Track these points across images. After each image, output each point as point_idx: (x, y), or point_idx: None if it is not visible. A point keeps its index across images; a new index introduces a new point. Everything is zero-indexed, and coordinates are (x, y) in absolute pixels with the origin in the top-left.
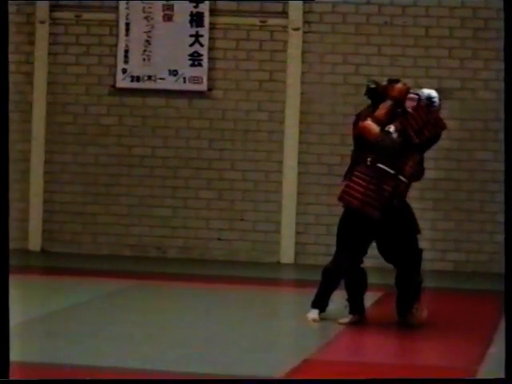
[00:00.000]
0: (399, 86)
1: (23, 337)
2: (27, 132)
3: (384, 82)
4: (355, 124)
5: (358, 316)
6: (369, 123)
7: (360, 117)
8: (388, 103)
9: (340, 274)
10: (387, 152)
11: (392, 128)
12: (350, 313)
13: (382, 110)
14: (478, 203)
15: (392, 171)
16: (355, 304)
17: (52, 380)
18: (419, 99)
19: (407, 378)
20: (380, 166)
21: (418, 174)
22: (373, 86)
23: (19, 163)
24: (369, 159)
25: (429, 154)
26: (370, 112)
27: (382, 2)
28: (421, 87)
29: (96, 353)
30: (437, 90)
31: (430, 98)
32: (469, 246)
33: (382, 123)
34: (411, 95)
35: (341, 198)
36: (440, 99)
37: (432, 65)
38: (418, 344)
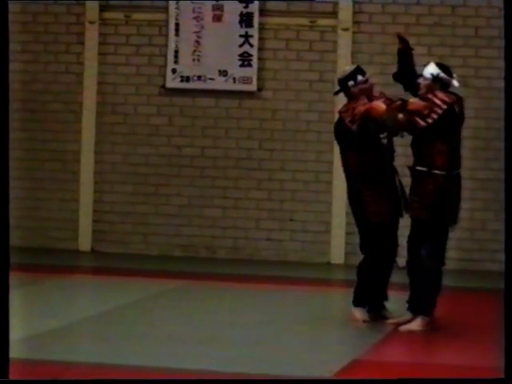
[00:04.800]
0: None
1: (74, 337)
2: (77, 132)
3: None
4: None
5: (428, 318)
6: (376, 103)
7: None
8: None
9: (376, 270)
10: (392, 131)
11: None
12: (420, 314)
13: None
14: None
15: (424, 168)
16: (430, 305)
17: (56, 380)
18: (431, 85)
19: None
20: (417, 168)
21: (452, 163)
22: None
23: (69, 164)
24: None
25: (480, 154)
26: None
27: (431, 2)
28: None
29: (146, 353)
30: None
31: (435, 78)
32: None
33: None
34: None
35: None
36: (447, 72)
37: (482, 65)
38: (466, 344)
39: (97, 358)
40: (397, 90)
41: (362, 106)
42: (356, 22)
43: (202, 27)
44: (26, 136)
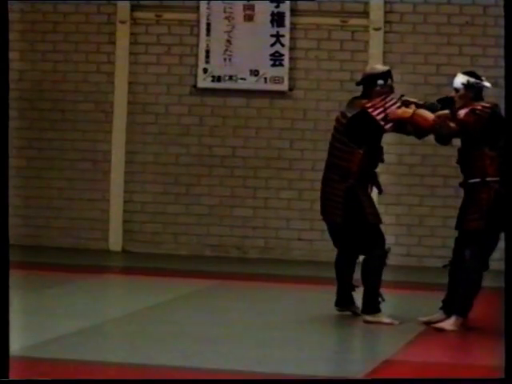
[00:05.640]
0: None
1: (104, 337)
2: (108, 132)
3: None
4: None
5: (462, 319)
6: (422, 111)
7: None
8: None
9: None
10: (444, 140)
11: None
12: (455, 314)
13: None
14: None
15: (477, 179)
16: (466, 306)
17: (57, 380)
18: (466, 94)
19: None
20: (470, 181)
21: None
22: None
23: (100, 163)
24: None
25: None
26: None
27: (463, 1)
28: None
29: (176, 353)
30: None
31: (468, 85)
32: None
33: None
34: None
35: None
36: (475, 77)
37: None
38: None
39: (126, 358)
40: (426, 90)
41: (398, 109)
42: (387, 22)
43: (233, 27)
44: (57, 136)
